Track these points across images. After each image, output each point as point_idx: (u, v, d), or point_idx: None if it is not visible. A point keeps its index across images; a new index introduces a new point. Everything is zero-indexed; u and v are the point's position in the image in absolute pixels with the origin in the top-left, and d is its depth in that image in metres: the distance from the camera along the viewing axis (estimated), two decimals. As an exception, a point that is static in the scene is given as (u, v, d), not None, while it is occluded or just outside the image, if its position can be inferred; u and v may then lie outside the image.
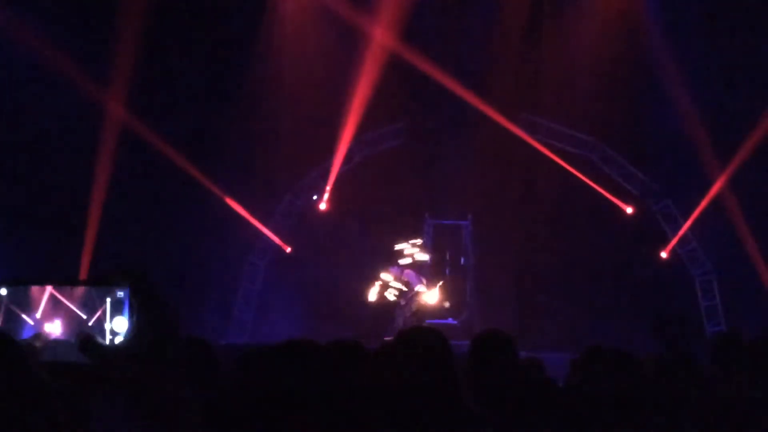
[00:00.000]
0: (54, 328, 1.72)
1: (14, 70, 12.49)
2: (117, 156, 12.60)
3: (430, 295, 12.65)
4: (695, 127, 13.13)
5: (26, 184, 12.83)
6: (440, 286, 12.85)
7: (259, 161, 14.12)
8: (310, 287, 14.38)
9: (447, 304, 12.98)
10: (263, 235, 14.58)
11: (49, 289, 1.73)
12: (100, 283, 1.71)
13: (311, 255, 14.38)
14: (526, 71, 14.37)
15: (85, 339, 1.57)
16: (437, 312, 13.16)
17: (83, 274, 12.36)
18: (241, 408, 1.40)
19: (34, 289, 1.74)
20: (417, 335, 2.74)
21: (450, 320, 13.63)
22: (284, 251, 14.70)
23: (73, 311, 1.73)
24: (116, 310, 1.66)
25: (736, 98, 13.37)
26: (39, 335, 1.76)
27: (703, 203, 13.78)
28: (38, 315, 1.72)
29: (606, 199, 14.33)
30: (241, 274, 14.72)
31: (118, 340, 1.71)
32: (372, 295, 12.67)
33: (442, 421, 2.53)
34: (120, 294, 1.68)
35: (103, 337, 1.70)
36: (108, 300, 1.68)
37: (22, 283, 1.74)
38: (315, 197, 14.70)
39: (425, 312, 12.58)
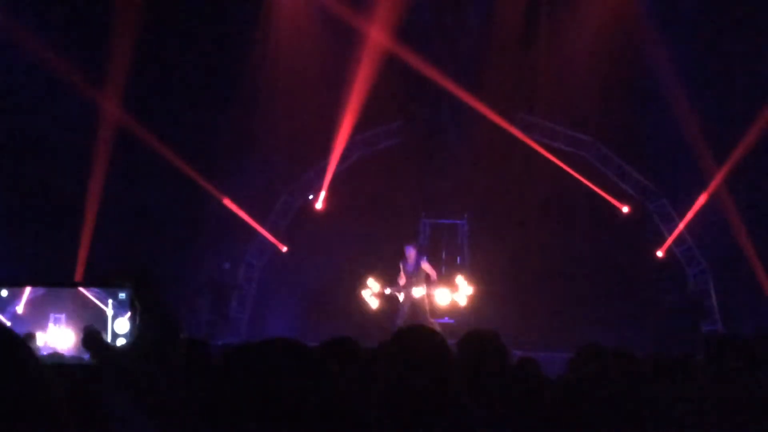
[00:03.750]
0: (59, 334, 1.70)
1: (9, 71, 12.46)
2: (112, 156, 12.58)
3: (440, 295, 12.71)
4: (691, 126, 13.14)
5: (22, 185, 12.80)
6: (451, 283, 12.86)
7: (255, 160, 14.11)
8: (306, 287, 14.37)
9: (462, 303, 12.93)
10: (259, 234, 14.56)
11: (28, 289, 1.72)
12: (102, 285, 1.70)
13: (308, 254, 14.36)
14: (523, 71, 14.39)
15: (91, 335, 1.56)
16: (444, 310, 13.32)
17: (79, 274, 12.35)
18: (230, 407, 1.39)
19: (17, 290, 1.72)
20: (414, 334, 2.74)
21: (446, 319, 13.63)
22: (280, 251, 14.69)
23: (75, 313, 1.71)
24: (119, 311, 1.65)
25: (733, 97, 13.40)
26: (30, 335, 1.74)
27: (699, 202, 13.80)
28: (19, 312, 1.71)
29: (602, 198, 14.34)
30: (238, 273, 14.70)
31: (120, 341, 1.70)
32: (372, 302, 12.85)
33: (439, 421, 2.52)
34: (122, 295, 1.67)
35: (106, 338, 1.68)
36: (110, 302, 1.66)
37: (20, 285, 1.72)
38: (311, 196, 14.69)
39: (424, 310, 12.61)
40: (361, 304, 12.94)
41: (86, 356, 1.66)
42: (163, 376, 1.46)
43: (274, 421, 1.34)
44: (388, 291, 12.75)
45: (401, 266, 12.49)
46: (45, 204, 12.74)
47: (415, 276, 12.41)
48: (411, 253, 12.45)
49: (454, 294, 12.81)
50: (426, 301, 12.53)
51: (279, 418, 1.35)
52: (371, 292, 12.84)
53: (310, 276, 14.28)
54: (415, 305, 12.45)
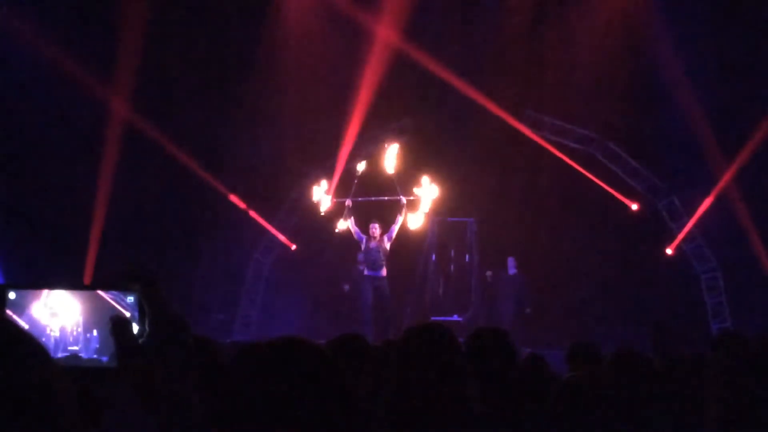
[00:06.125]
0: (76, 337, 1.71)
1: (17, 69, 12.50)
2: (121, 155, 12.61)
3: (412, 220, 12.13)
4: (700, 122, 13.10)
5: (29, 185, 12.84)
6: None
7: (263, 158, 14.13)
8: (314, 284, 14.39)
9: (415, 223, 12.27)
10: (268, 232, 14.59)
11: (45, 292, 1.71)
12: (109, 288, 1.69)
13: (316, 252, 14.38)
14: (530, 68, 14.36)
15: (121, 321, 1.56)
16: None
17: (88, 274, 12.38)
18: (240, 405, 1.40)
19: (31, 293, 1.71)
20: (424, 332, 2.75)
21: (455, 317, 13.65)
22: (289, 248, 14.71)
23: (93, 317, 1.71)
24: (129, 313, 1.65)
25: (742, 94, 13.34)
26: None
27: (709, 199, 13.76)
28: (33, 318, 1.71)
29: (611, 195, 14.31)
30: (247, 271, 14.73)
31: None
32: (324, 202, 12.42)
33: (448, 418, 2.53)
34: (130, 299, 1.67)
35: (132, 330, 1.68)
36: (118, 305, 1.66)
37: (29, 288, 1.72)
38: (319, 194, 14.68)
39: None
40: (313, 204, 12.58)
41: (104, 359, 1.66)
42: (173, 377, 1.46)
43: (283, 419, 1.35)
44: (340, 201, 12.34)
45: (366, 241, 12.22)
46: (52, 205, 12.77)
47: (378, 255, 12.16)
48: (375, 230, 12.14)
49: (422, 204, 12.13)
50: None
51: (288, 416, 1.36)
52: (322, 192, 12.46)
53: (318, 274, 14.30)
54: (380, 288, 12.20)
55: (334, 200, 12.51)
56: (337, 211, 12.48)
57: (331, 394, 1.41)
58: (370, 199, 12.41)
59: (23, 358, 1.07)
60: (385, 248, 12.09)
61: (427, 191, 12.13)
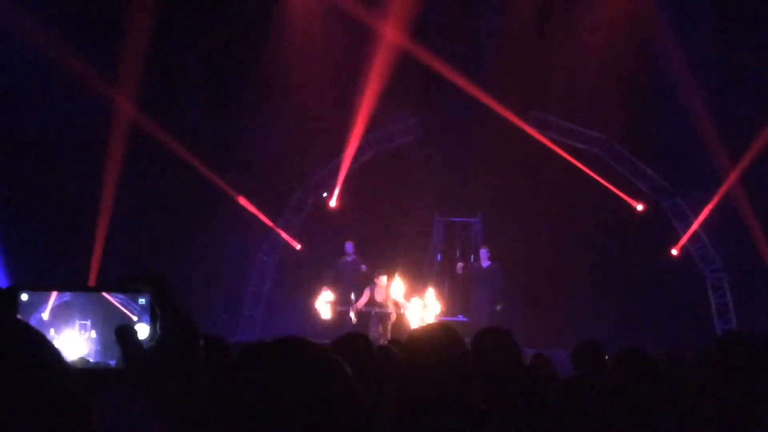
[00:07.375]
0: (85, 341, 1.71)
1: (22, 69, 12.51)
2: (126, 154, 12.62)
3: (416, 308, 12.11)
4: (706, 123, 13.08)
5: (34, 186, 12.85)
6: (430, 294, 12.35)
7: (269, 158, 14.14)
8: (319, 284, 14.38)
9: (438, 309, 12.39)
10: (273, 232, 14.60)
11: (54, 294, 1.71)
12: (121, 290, 1.69)
13: (321, 252, 14.38)
14: (536, 68, 14.36)
15: (125, 329, 1.56)
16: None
17: (93, 275, 12.38)
18: (244, 405, 1.41)
19: (41, 294, 1.71)
20: (429, 332, 2.76)
21: (460, 317, 13.63)
22: (294, 248, 14.72)
23: (101, 319, 1.71)
24: (139, 317, 1.64)
25: (747, 94, 13.32)
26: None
27: (714, 200, 13.73)
28: (42, 321, 1.71)
29: (616, 196, 14.29)
30: (251, 271, 14.74)
31: None
32: (325, 312, 12.43)
33: (453, 418, 2.54)
34: (142, 301, 1.67)
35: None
36: (129, 307, 1.65)
37: (41, 289, 1.72)
38: (325, 194, 14.71)
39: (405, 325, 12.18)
40: (314, 313, 12.62)
41: (112, 362, 1.65)
42: (185, 377, 1.47)
43: (287, 419, 1.36)
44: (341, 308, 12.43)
45: (370, 290, 12.28)
46: (57, 206, 12.78)
47: (384, 304, 12.19)
48: (381, 282, 12.19)
49: (424, 311, 12.17)
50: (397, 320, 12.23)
51: (292, 417, 1.36)
52: (325, 301, 12.51)
53: (322, 274, 14.29)
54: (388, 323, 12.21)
55: (338, 309, 12.53)
56: (339, 320, 12.50)
57: (335, 395, 1.42)
58: (373, 309, 12.39)
59: (40, 362, 1.08)
60: (394, 300, 12.14)
61: (431, 306, 12.22)
